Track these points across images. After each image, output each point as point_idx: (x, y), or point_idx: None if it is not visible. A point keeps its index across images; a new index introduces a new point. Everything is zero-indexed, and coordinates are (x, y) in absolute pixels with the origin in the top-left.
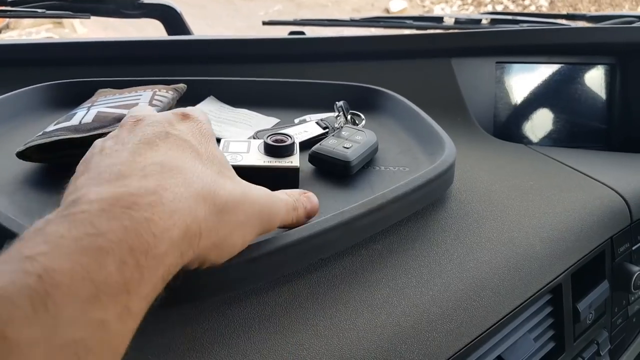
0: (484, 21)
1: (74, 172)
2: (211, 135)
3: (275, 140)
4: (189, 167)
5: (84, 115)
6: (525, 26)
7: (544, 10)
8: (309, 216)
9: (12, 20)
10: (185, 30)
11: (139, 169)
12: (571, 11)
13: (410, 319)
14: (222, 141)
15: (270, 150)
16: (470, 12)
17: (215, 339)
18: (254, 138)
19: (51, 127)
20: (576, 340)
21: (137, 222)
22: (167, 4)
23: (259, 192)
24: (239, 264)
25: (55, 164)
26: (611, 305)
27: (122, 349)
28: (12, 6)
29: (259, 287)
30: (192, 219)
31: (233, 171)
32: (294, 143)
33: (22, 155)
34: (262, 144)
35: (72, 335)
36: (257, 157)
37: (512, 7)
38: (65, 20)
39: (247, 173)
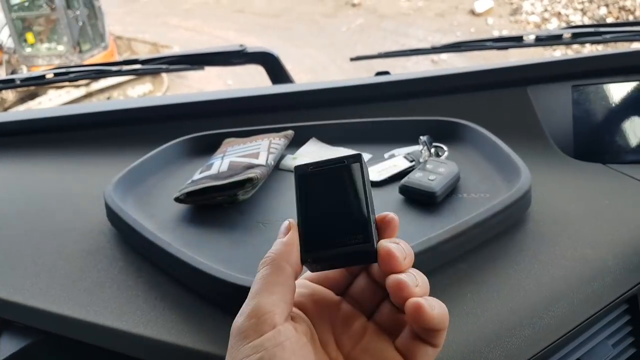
0: (565, 36)
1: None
2: None
3: None
4: None
5: (220, 164)
6: (608, 37)
7: None
8: None
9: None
10: (283, 71)
11: None
12: None
13: (492, 327)
14: None
15: None
16: (563, 4)
17: None
18: None
19: (197, 176)
20: None
21: None
22: (267, 51)
23: None
24: None
25: (202, 205)
26: None
27: None
28: (142, 64)
29: None
30: None
31: None
32: None
33: (178, 199)
34: None
35: None
36: None
37: None
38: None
39: None
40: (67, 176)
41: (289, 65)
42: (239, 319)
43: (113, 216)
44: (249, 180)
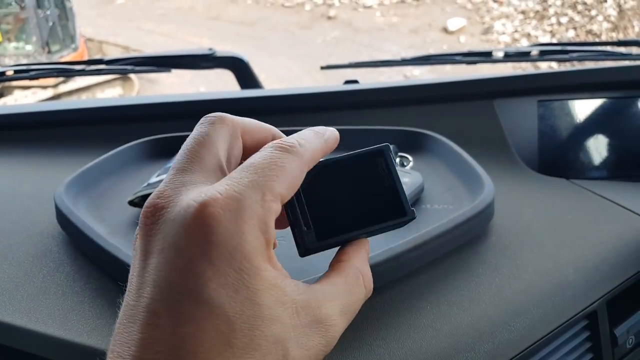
0: (533, 53)
1: None
2: None
3: None
4: None
5: None
6: (574, 56)
7: (613, 19)
8: None
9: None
10: (253, 77)
11: None
12: None
13: (452, 341)
14: None
15: None
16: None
17: None
18: None
19: (154, 179)
20: None
21: None
22: (237, 56)
23: None
24: None
25: None
26: None
27: None
28: (106, 64)
29: None
30: None
31: None
32: None
33: (132, 203)
34: None
35: None
36: None
37: (578, 19)
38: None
39: None
40: (18, 176)
41: (263, 74)
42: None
43: (62, 219)
44: None
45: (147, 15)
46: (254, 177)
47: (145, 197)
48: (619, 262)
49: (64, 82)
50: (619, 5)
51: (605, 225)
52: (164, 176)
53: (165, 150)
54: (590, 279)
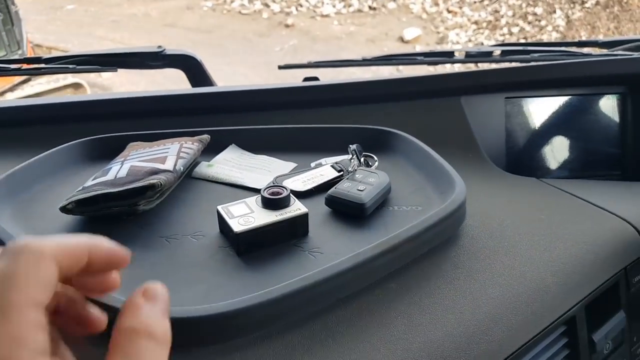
0: (495, 53)
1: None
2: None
3: (272, 194)
4: None
5: (118, 169)
6: (536, 56)
7: (562, 29)
8: None
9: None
10: (206, 77)
11: None
12: (589, 29)
13: (425, 354)
14: (219, 209)
15: (271, 203)
16: (485, 35)
17: None
18: (273, 183)
19: (89, 182)
20: None
21: None
22: (188, 54)
23: None
24: (259, 306)
25: (95, 216)
26: (629, 335)
27: None
28: (45, 63)
29: (279, 328)
30: None
31: None
32: (289, 195)
33: (64, 209)
34: (260, 198)
35: None
36: (266, 214)
37: (529, 29)
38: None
39: (265, 230)
40: None
41: (220, 82)
42: None
43: None
44: (151, 187)
45: (98, 21)
46: None
47: (80, 202)
48: (597, 263)
49: (10, 90)
50: (567, 16)
51: (580, 225)
52: (101, 179)
53: (105, 152)
54: (569, 282)
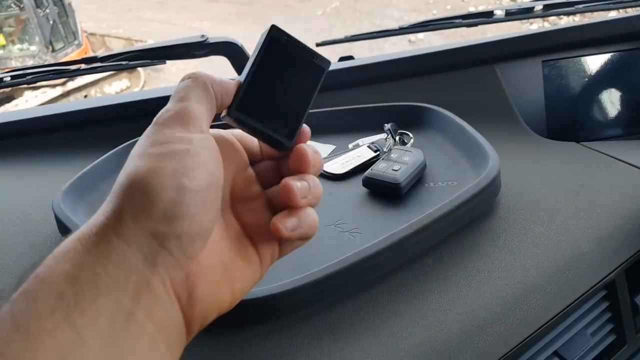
0: (536, 8)
1: None
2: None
3: None
4: None
5: None
6: (580, 7)
7: None
8: None
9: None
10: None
11: None
12: None
13: (461, 325)
14: None
15: None
16: None
17: (296, 350)
18: None
19: None
20: (639, 332)
21: None
22: (230, 40)
23: None
24: (307, 285)
25: None
26: None
27: None
28: (102, 62)
29: (325, 305)
30: None
31: None
32: None
33: None
34: None
35: None
36: None
37: None
38: None
39: None
40: (16, 184)
41: None
42: (165, 114)
43: (62, 227)
44: None
45: (145, 4)
46: None
47: None
48: (637, 228)
49: (71, 79)
50: None
51: (620, 190)
52: None
53: None
54: (606, 248)
